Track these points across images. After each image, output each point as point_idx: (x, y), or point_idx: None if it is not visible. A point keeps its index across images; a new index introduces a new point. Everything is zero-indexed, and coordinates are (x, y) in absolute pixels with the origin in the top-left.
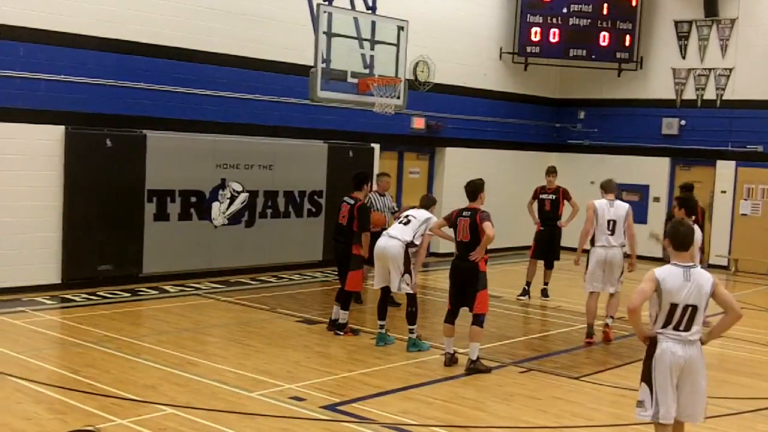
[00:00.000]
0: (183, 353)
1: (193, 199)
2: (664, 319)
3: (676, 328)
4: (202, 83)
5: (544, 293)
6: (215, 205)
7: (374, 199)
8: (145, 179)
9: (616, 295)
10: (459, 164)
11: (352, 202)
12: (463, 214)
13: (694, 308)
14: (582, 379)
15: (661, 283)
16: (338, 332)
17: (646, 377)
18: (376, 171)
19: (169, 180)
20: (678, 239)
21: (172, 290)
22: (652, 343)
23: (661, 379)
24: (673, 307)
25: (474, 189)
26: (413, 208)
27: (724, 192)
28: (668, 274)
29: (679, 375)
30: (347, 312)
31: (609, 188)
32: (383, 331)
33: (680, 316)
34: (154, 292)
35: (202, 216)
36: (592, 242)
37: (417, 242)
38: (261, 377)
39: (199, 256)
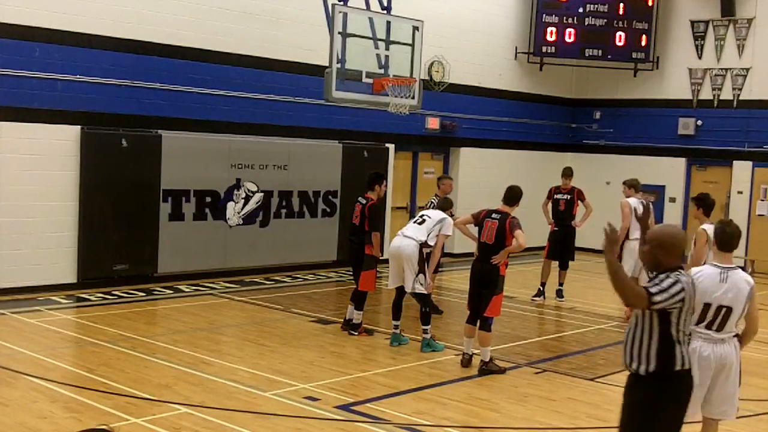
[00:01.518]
0: (198, 353)
1: (208, 199)
2: (697, 318)
3: (708, 327)
4: (217, 83)
5: (559, 294)
6: (230, 205)
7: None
8: (160, 179)
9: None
10: (473, 164)
11: (365, 201)
12: (492, 216)
13: (729, 309)
14: (597, 380)
15: (695, 284)
16: (352, 332)
17: None
18: (390, 171)
19: (184, 180)
20: (723, 239)
21: (186, 290)
22: None
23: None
24: (706, 306)
25: (514, 195)
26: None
27: (740, 193)
28: (704, 274)
29: (711, 374)
30: (361, 312)
31: (637, 187)
32: (397, 331)
33: (713, 316)
34: (168, 291)
35: (217, 216)
36: (626, 236)
37: (431, 243)
38: (275, 377)
39: (214, 255)
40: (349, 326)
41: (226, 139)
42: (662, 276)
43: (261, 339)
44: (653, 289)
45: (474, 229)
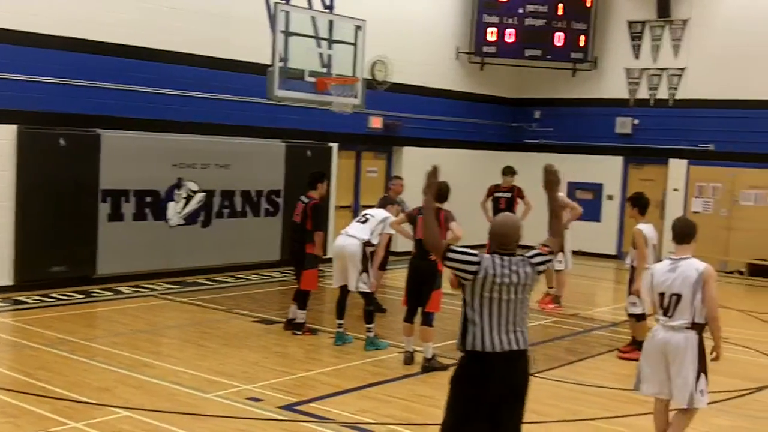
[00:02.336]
0: (138, 355)
1: (149, 199)
2: (657, 306)
3: (664, 314)
4: (158, 82)
5: None
6: (171, 204)
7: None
8: (99, 179)
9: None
10: (416, 164)
11: (307, 200)
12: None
13: (678, 296)
14: (538, 375)
15: (653, 275)
16: (296, 332)
17: (642, 354)
18: (334, 170)
19: (123, 180)
20: (676, 232)
21: (126, 291)
22: None
23: (644, 355)
24: (661, 295)
25: (442, 192)
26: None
27: (676, 190)
28: (658, 266)
29: (665, 358)
30: (305, 311)
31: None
32: (341, 330)
33: (668, 304)
34: (108, 293)
35: (158, 216)
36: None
37: (375, 241)
38: (217, 378)
39: (155, 256)
40: (293, 326)
41: (167, 138)
42: (478, 252)
43: (203, 340)
44: (454, 249)
45: (409, 228)
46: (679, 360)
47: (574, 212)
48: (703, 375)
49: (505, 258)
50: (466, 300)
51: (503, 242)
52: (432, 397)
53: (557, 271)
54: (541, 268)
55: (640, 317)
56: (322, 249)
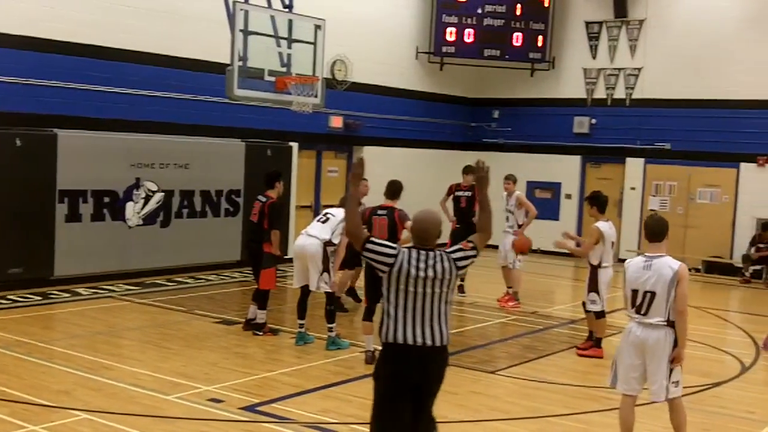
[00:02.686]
0: (97, 357)
1: (107, 200)
2: (630, 303)
3: (638, 312)
4: (117, 81)
5: (461, 289)
6: (129, 205)
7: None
8: (56, 179)
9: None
10: (377, 163)
11: (264, 199)
12: (378, 212)
13: (653, 294)
14: (498, 373)
15: (626, 273)
16: (257, 332)
17: (617, 351)
18: (294, 170)
19: (81, 180)
20: (647, 230)
21: (85, 293)
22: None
23: (620, 352)
24: (634, 293)
25: (396, 189)
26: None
27: (633, 188)
28: (631, 263)
29: (642, 354)
30: (265, 311)
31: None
32: (303, 330)
33: (641, 301)
34: (66, 295)
35: (116, 216)
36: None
37: (336, 241)
38: (178, 380)
39: (113, 257)
40: (254, 326)
41: (125, 137)
42: (397, 246)
43: (163, 341)
44: (373, 240)
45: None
46: (658, 356)
47: (530, 214)
48: (677, 367)
49: (423, 252)
50: (383, 293)
51: (423, 237)
52: None
53: (509, 268)
54: (462, 263)
55: (599, 314)
56: (279, 248)
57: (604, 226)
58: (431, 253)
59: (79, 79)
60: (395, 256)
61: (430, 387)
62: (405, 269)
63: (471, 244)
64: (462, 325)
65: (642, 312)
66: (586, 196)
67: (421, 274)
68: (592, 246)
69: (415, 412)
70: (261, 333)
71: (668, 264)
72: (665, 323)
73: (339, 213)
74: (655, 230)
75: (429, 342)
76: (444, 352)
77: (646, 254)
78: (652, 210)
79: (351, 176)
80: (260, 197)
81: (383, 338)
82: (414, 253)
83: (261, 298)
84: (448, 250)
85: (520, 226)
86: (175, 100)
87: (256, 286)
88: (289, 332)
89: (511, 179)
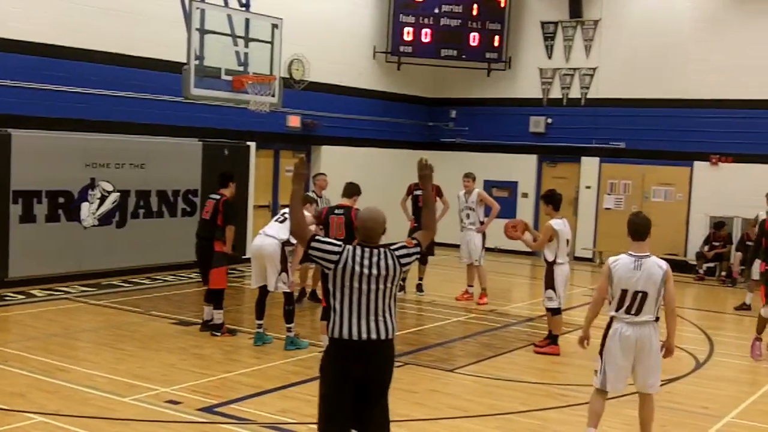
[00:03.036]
0: (52, 359)
1: (61, 200)
2: (617, 304)
3: (627, 312)
4: (71, 80)
5: (419, 288)
6: (85, 205)
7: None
8: (9, 179)
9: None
10: (335, 163)
11: (218, 197)
12: (336, 212)
13: (644, 294)
14: (457, 371)
15: (612, 271)
16: (215, 333)
17: (600, 349)
18: (252, 169)
19: (35, 180)
20: (633, 229)
21: (39, 294)
22: (610, 322)
23: (610, 355)
24: (624, 292)
25: (353, 190)
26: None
27: (588, 187)
28: (619, 262)
29: (633, 353)
30: (221, 311)
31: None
32: (261, 330)
33: (631, 301)
34: (20, 296)
35: (71, 217)
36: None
37: (293, 240)
38: (135, 381)
39: (69, 258)
40: (211, 327)
41: (80, 137)
42: (341, 243)
43: (119, 343)
44: (318, 239)
45: (316, 228)
46: (647, 350)
47: (494, 209)
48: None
49: (367, 250)
50: (329, 289)
51: (368, 235)
52: None
53: (475, 265)
54: (405, 260)
55: (556, 311)
56: (232, 245)
57: (559, 223)
58: (375, 251)
59: (33, 79)
60: (339, 253)
61: (377, 381)
62: (349, 266)
63: (415, 242)
64: (420, 324)
65: (633, 312)
66: (541, 194)
67: (365, 271)
68: (544, 242)
69: (366, 409)
70: (219, 333)
71: (657, 263)
72: (654, 319)
73: None
74: (640, 229)
75: (374, 336)
76: (390, 346)
77: (632, 253)
78: (607, 208)
79: (293, 176)
80: (213, 195)
81: (329, 333)
82: (358, 250)
83: (216, 298)
84: (392, 248)
85: (482, 223)
86: (130, 99)
87: (206, 287)
88: (247, 332)
89: (470, 177)
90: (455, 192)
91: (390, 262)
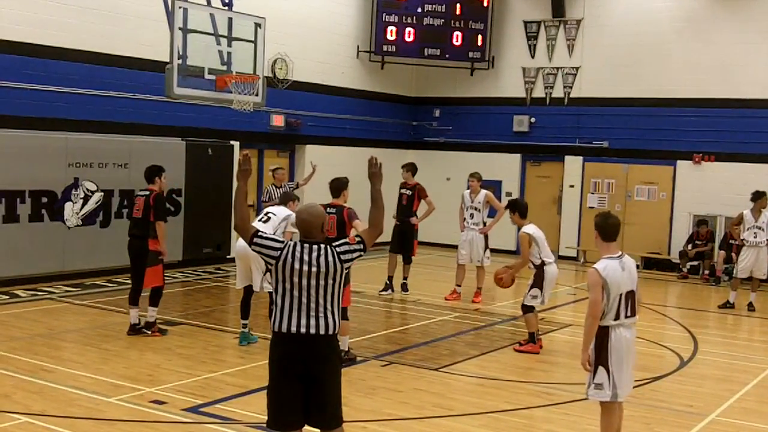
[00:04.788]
0: (37, 360)
1: (45, 200)
2: (615, 309)
3: (626, 316)
4: (54, 80)
5: (404, 288)
6: (68, 205)
7: (272, 192)
8: None
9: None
10: (319, 162)
11: (148, 193)
12: (328, 210)
13: (632, 293)
14: (441, 370)
15: (606, 279)
16: (145, 330)
17: (602, 361)
18: (236, 169)
19: (18, 180)
20: (606, 231)
21: (23, 295)
22: (603, 330)
23: (617, 363)
24: (620, 296)
25: (338, 186)
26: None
27: (572, 186)
28: (609, 268)
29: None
30: (156, 309)
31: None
32: (246, 330)
33: (625, 303)
34: (4, 296)
35: (55, 217)
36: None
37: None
38: (120, 382)
39: (52, 258)
40: (145, 325)
41: (63, 137)
42: (283, 239)
43: (104, 343)
44: (261, 235)
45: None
46: (633, 351)
47: (499, 212)
48: None
49: (307, 246)
50: (273, 284)
51: (305, 230)
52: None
53: (479, 266)
54: (346, 257)
55: (529, 309)
56: (164, 244)
57: (531, 228)
58: (315, 247)
59: (15, 78)
60: (281, 249)
61: (319, 375)
62: (289, 262)
63: (358, 239)
64: (406, 323)
65: (629, 314)
66: (505, 205)
67: (305, 267)
68: (527, 252)
69: (314, 402)
70: (149, 332)
71: (631, 260)
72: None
73: (280, 212)
74: (614, 230)
75: (313, 331)
76: (330, 341)
77: (611, 256)
78: (590, 207)
79: (238, 172)
80: (141, 192)
81: (272, 327)
82: (298, 246)
83: (154, 296)
84: (334, 244)
85: (485, 224)
86: (114, 98)
87: (136, 288)
88: (232, 332)
89: (476, 177)
90: (438, 190)
91: (330, 258)
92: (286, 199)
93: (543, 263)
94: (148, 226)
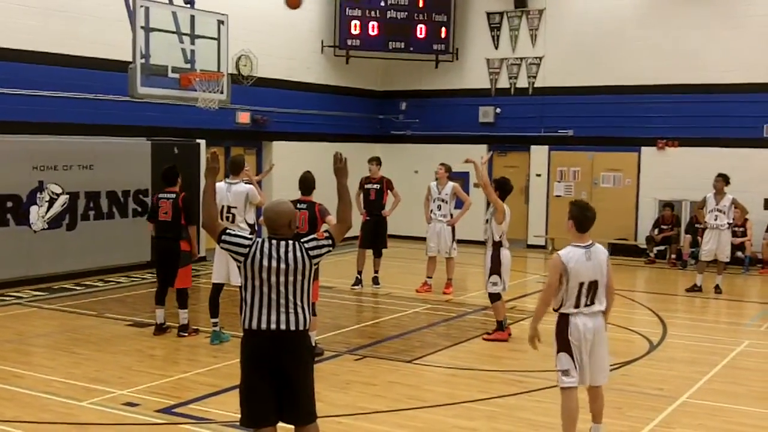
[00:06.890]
0: (7, 366)
1: (9, 204)
2: (575, 297)
3: (586, 304)
4: (14, 82)
5: (375, 281)
6: (33, 209)
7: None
8: None
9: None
10: (286, 158)
11: (173, 196)
12: (298, 206)
13: (596, 283)
14: (415, 362)
15: (567, 266)
16: (182, 333)
17: (565, 348)
18: (202, 167)
19: None
20: (583, 222)
21: None
22: (563, 318)
23: (579, 348)
24: (581, 285)
25: (308, 183)
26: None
27: (539, 175)
28: (572, 256)
29: (590, 345)
30: (186, 310)
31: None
32: (217, 328)
33: (587, 292)
34: None
35: (20, 221)
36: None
37: (250, 220)
38: (92, 385)
39: (19, 263)
40: (179, 328)
41: (26, 140)
42: (252, 237)
43: (74, 347)
44: (229, 232)
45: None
46: (599, 342)
47: (466, 204)
48: None
49: (275, 242)
50: (242, 281)
51: (272, 226)
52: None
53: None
54: (315, 253)
55: (497, 297)
56: (196, 242)
57: (507, 209)
58: (283, 243)
59: None
60: (249, 246)
61: (289, 371)
62: (257, 259)
63: (326, 234)
64: (378, 316)
65: (588, 302)
66: (493, 179)
67: (273, 264)
68: (493, 193)
69: (286, 398)
70: (186, 333)
71: (600, 250)
72: (603, 310)
73: (238, 190)
74: (588, 224)
75: (283, 327)
76: (301, 337)
77: (579, 245)
78: (557, 196)
79: (206, 170)
80: (166, 195)
81: (242, 324)
82: (267, 243)
83: (182, 298)
84: (302, 240)
85: (452, 216)
86: (76, 100)
87: (168, 288)
88: (203, 331)
89: (444, 167)
90: (405, 183)
91: (299, 254)
92: (237, 170)
93: (500, 244)
94: (179, 228)
